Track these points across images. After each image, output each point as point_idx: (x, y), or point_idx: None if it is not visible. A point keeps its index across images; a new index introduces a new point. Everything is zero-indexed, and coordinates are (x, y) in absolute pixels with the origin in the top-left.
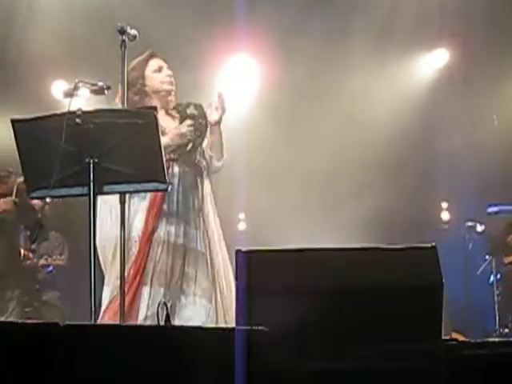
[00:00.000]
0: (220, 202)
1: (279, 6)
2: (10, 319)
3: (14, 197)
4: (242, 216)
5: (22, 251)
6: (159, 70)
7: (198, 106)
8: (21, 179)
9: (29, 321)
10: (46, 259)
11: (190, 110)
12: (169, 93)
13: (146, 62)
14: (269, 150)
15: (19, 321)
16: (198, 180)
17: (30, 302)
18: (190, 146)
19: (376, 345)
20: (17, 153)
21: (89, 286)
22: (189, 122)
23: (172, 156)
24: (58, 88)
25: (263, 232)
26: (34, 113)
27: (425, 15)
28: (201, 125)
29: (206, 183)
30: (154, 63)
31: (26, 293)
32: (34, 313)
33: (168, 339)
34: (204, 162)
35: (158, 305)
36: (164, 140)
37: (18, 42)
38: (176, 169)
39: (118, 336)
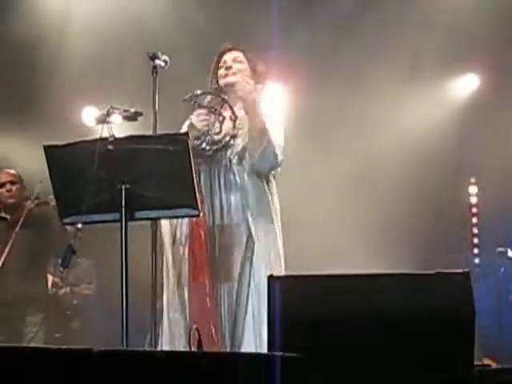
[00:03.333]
0: None
1: (309, 33)
2: (32, 344)
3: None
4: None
5: (51, 278)
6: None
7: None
8: (31, 205)
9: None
10: (74, 289)
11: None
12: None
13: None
14: (297, 176)
15: (53, 346)
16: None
17: (60, 328)
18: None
19: (407, 373)
20: (49, 179)
21: (121, 313)
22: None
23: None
24: (88, 114)
25: (297, 255)
26: (64, 139)
27: (455, 40)
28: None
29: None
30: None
31: (56, 318)
32: (64, 339)
33: (200, 365)
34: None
35: (190, 332)
36: None
37: (49, 68)
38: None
39: (151, 361)
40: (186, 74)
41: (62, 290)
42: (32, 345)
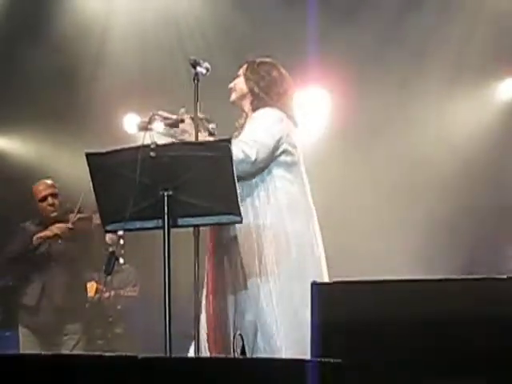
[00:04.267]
0: None
1: (353, 36)
2: (74, 352)
3: (70, 224)
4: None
5: (95, 284)
6: None
7: None
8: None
9: (106, 354)
10: (119, 292)
11: None
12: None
13: None
14: (341, 182)
15: (98, 353)
16: None
17: (103, 335)
18: None
19: (457, 379)
20: (91, 186)
21: (164, 319)
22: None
23: None
24: (130, 121)
25: (339, 261)
26: (106, 146)
27: (501, 42)
28: None
29: None
30: None
31: (99, 325)
32: (107, 345)
33: (243, 371)
34: None
35: (234, 336)
36: None
37: (90, 76)
38: None
39: (195, 368)
40: (224, 77)
41: (106, 294)
42: (75, 352)
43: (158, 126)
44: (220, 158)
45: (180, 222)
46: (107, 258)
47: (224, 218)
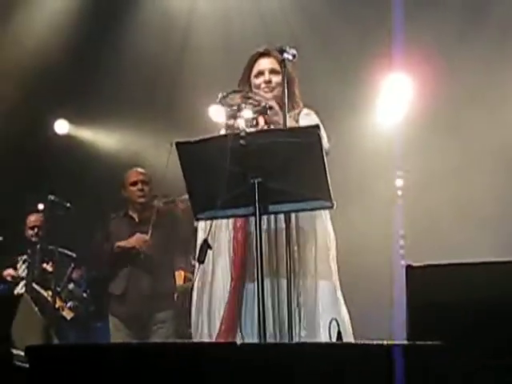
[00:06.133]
0: (378, 218)
1: (437, 23)
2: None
3: (149, 233)
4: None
5: (183, 273)
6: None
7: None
8: (160, 204)
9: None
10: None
11: None
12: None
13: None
14: (426, 168)
15: (193, 341)
16: None
17: (184, 324)
18: None
19: None
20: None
21: (258, 307)
22: None
23: None
24: (215, 111)
25: (423, 248)
26: (191, 136)
27: None
28: None
29: None
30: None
31: (181, 314)
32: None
33: (329, 355)
34: None
35: (330, 322)
36: None
37: (176, 66)
38: None
39: (290, 354)
40: (308, 68)
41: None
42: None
43: (247, 113)
44: (309, 143)
45: (271, 208)
46: (200, 245)
47: (315, 204)
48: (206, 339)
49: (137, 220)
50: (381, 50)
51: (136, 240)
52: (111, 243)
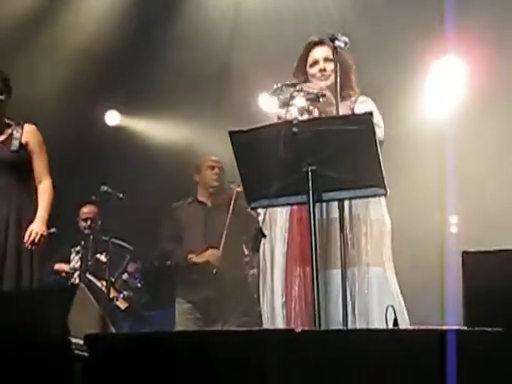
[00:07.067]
0: (429, 205)
1: (491, 3)
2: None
3: (227, 223)
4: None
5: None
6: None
7: None
8: (237, 189)
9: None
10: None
11: None
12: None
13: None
14: (478, 152)
15: (250, 329)
16: None
17: (246, 312)
18: None
19: None
20: (235, 164)
21: (312, 295)
22: None
23: None
24: (266, 100)
25: (475, 234)
26: (243, 126)
27: None
28: None
29: None
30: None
31: (245, 302)
32: (251, 322)
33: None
34: None
35: (386, 309)
36: None
37: (226, 54)
38: None
39: (346, 340)
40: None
41: (251, 272)
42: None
43: (300, 101)
44: (363, 131)
45: (324, 196)
46: (253, 234)
47: (368, 191)
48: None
49: (209, 205)
50: (431, 32)
51: (210, 255)
52: (185, 250)
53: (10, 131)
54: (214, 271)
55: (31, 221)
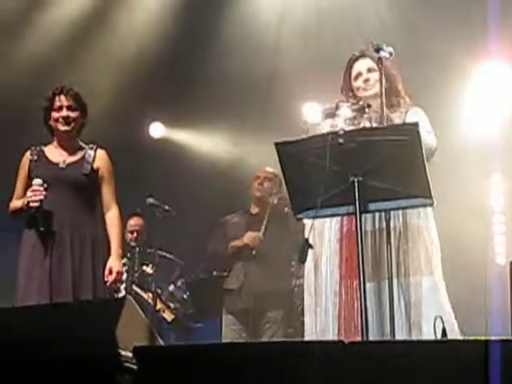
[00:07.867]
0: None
1: None
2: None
3: (262, 229)
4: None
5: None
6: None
7: None
8: (275, 201)
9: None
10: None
11: None
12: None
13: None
14: None
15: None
16: None
17: (291, 323)
18: None
19: None
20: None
21: (360, 306)
22: None
23: None
24: (309, 110)
25: None
26: (288, 137)
27: None
28: None
29: None
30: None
31: (289, 313)
32: (296, 334)
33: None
34: None
35: (435, 320)
36: None
37: (269, 66)
38: None
39: (398, 351)
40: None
41: (295, 282)
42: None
43: (345, 111)
44: (409, 141)
45: (371, 206)
46: (301, 245)
47: (415, 201)
48: (313, 337)
49: (253, 214)
50: (477, 37)
51: (248, 237)
52: (226, 243)
53: (82, 153)
54: (254, 252)
55: (93, 246)
